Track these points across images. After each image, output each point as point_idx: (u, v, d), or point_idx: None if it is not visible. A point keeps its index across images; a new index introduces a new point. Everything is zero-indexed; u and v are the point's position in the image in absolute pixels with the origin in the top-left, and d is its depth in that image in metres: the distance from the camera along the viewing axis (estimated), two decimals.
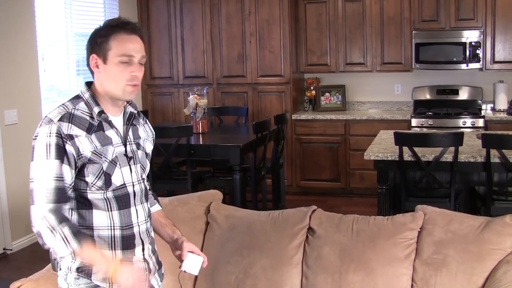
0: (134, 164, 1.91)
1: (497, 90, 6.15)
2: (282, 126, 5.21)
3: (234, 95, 6.56)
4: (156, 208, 2.13)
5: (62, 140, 1.74)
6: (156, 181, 4.68)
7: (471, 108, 6.11)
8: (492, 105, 6.21)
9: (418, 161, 3.79)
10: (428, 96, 6.36)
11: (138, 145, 1.95)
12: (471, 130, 5.52)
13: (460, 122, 5.84)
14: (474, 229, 2.41)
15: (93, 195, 1.81)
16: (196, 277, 2.64)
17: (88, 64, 1.86)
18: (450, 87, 6.30)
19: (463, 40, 5.95)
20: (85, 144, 1.77)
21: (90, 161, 1.78)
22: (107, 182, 1.81)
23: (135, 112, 1.97)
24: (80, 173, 1.78)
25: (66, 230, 1.72)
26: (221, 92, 6.60)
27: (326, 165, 6.34)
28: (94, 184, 1.80)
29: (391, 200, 4.06)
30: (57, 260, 1.84)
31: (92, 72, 1.87)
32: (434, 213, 2.53)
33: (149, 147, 2.02)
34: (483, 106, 6.22)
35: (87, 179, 1.79)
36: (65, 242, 1.71)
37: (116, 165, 1.84)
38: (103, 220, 1.83)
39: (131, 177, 1.89)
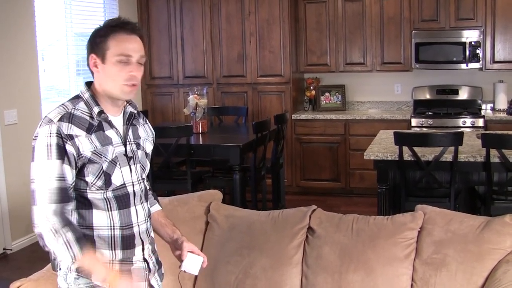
0: (134, 164, 1.91)
1: (497, 90, 6.15)
2: (282, 126, 5.21)
3: (234, 95, 6.56)
4: (156, 208, 2.13)
5: (62, 140, 1.74)
6: (156, 181, 4.68)
7: (471, 108, 6.12)
8: (492, 105, 6.21)
9: (418, 161, 3.79)
10: (428, 96, 6.36)
11: (138, 145, 1.95)
12: (471, 130, 5.52)
13: (460, 122, 5.84)
14: (474, 229, 2.41)
15: (93, 195, 1.81)
16: (196, 277, 2.64)
17: (88, 64, 1.86)
18: (450, 87, 6.30)
19: (463, 40, 5.95)
20: (85, 144, 1.77)
21: (90, 161, 1.78)
22: (107, 182, 1.81)
23: (135, 112, 1.97)
24: (80, 173, 1.78)
25: (69, 235, 1.72)
26: (221, 92, 6.60)
27: (326, 165, 6.34)
28: (94, 184, 1.80)
29: (391, 200, 4.07)
30: (57, 260, 1.84)
31: (92, 72, 1.87)
32: (434, 213, 2.53)
33: (149, 147, 2.02)
34: (483, 106, 6.22)
35: (87, 179, 1.79)
36: (67, 247, 1.71)
37: (116, 165, 1.84)
38: (103, 220, 1.83)
39: (131, 177, 1.89)
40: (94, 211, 1.82)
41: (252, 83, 6.48)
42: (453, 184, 3.80)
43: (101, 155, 1.80)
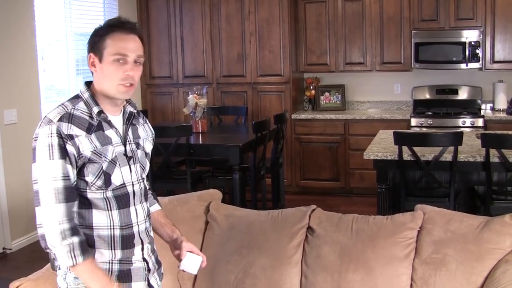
0: (134, 163, 1.91)
1: (496, 89, 6.15)
2: (281, 125, 5.21)
3: (234, 95, 6.56)
4: (155, 207, 2.13)
5: (63, 140, 1.73)
6: (156, 181, 4.68)
7: (471, 107, 6.12)
8: (491, 105, 6.21)
9: (417, 160, 3.79)
10: (427, 96, 6.36)
11: (138, 145, 1.95)
12: (470, 129, 5.52)
13: (460, 121, 5.84)
14: (474, 229, 2.41)
15: (93, 194, 1.81)
16: (195, 276, 2.64)
17: (88, 64, 1.86)
18: (449, 86, 6.30)
19: (463, 39, 5.96)
20: (85, 144, 1.77)
21: (90, 160, 1.78)
22: (107, 182, 1.81)
23: (135, 111, 1.97)
24: (80, 172, 1.78)
25: (75, 240, 1.72)
26: (220, 92, 6.60)
27: (326, 164, 6.34)
28: (93, 184, 1.79)
29: (391, 200, 4.07)
30: (56, 261, 1.84)
31: (92, 72, 1.87)
32: (433, 213, 2.53)
33: (148, 147, 2.02)
34: (483, 106, 6.22)
35: (86, 178, 1.79)
36: (71, 252, 1.71)
37: (115, 165, 1.83)
38: (102, 219, 1.82)
39: (130, 176, 1.89)
40: (94, 211, 1.82)
41: (252, 82, 6.48)
42: (453, 184, 3.80)
43: (101, 155, 1.80)
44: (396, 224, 2.51)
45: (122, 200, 1.86)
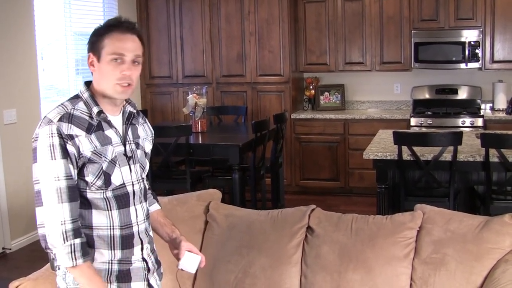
0: (134, 163, 1.91)
1: (496, 89, 6.15)
2: (281, 125, 5.21)
3: (233, 95, 6.56)
4: (155, 207, 2.13)
5: (63, 140, 1.73)
6: (155, 181, 4.68)
7: (470, 107, 6.12)
8: (491, 105, 6.21)
9: (417, 160, 3.79)
10: (427, 96, 6.36)
11: (137, 145, 1.95)
12: (470, 129, 5.52)
13: (459, 121, 5.85)
14: (473, 228, 2.41)
15: (93, 194, 1.81)
16: (195, 276, 2.64)
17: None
18: (449, 86, 6.31)
19: (462, 39, 5.96)
20: (85, 144, 1.77)
21: (90, 160, 1.77)
22: (107, 182, 1.81)
23: (134, 111, 1.97)
24: (79, 173, 1.78)
25: (77, 241, 1.72)
26: (220, 92, 6.60)
27: (325, 164, 6.34)
28: (93, 184, 1.79)
29: (390, 200, 4.07)
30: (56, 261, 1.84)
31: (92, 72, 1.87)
32: (433, 212, 2.53)
33: (148, 147, 2.02)
34: (482, 106, 6.22)
35: (86, 178, 1.78)
36: (71, 254, 1.71)
37: (115, 165, 1.83)
38: (102, 219, 1.82)
39: (130, 176, 1.89)
40: (94, 211, 1.82)
41: (252, 82, 6.48)
42: (452, 184, 3.80)
43: (101, 155, 1.80)
44: (396, 224, 2.51)
45: (122, 200, 1.86)
